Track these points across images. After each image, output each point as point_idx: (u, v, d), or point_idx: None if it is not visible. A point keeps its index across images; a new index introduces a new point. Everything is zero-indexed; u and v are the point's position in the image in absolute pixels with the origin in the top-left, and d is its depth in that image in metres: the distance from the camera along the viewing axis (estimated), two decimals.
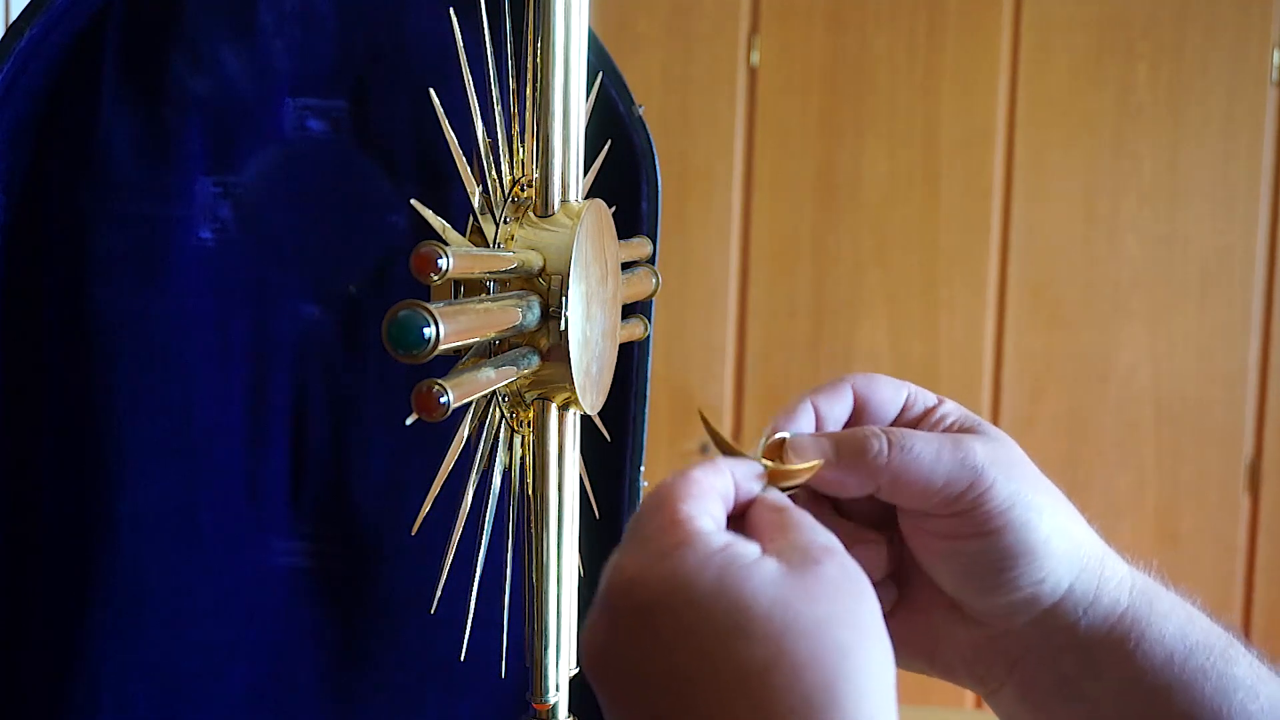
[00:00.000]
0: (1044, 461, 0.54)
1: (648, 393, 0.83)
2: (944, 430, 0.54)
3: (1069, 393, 2.07)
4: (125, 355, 0.76)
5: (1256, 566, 2.07)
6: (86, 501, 0.77)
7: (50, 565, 0.78)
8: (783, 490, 0.52)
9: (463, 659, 0.62)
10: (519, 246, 0.55)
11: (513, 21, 0.59)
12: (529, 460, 0.59)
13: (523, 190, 0.58)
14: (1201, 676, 0.53)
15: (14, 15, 0.91)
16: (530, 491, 0.59)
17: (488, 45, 0.57)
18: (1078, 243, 2.05)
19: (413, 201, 0.57)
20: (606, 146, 0.69)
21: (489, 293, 0.55)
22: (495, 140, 0.57)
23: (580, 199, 0.58)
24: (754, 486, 0.51)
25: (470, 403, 0.55)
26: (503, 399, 0.58)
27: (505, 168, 0.57)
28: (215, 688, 0.79)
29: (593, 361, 0.58)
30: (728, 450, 0.51)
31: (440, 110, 0.56)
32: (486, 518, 0.59)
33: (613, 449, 0.80)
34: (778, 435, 0.53)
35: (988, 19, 2.04)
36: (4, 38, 0.72)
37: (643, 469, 0.83)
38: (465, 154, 0.56)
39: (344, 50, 0.77)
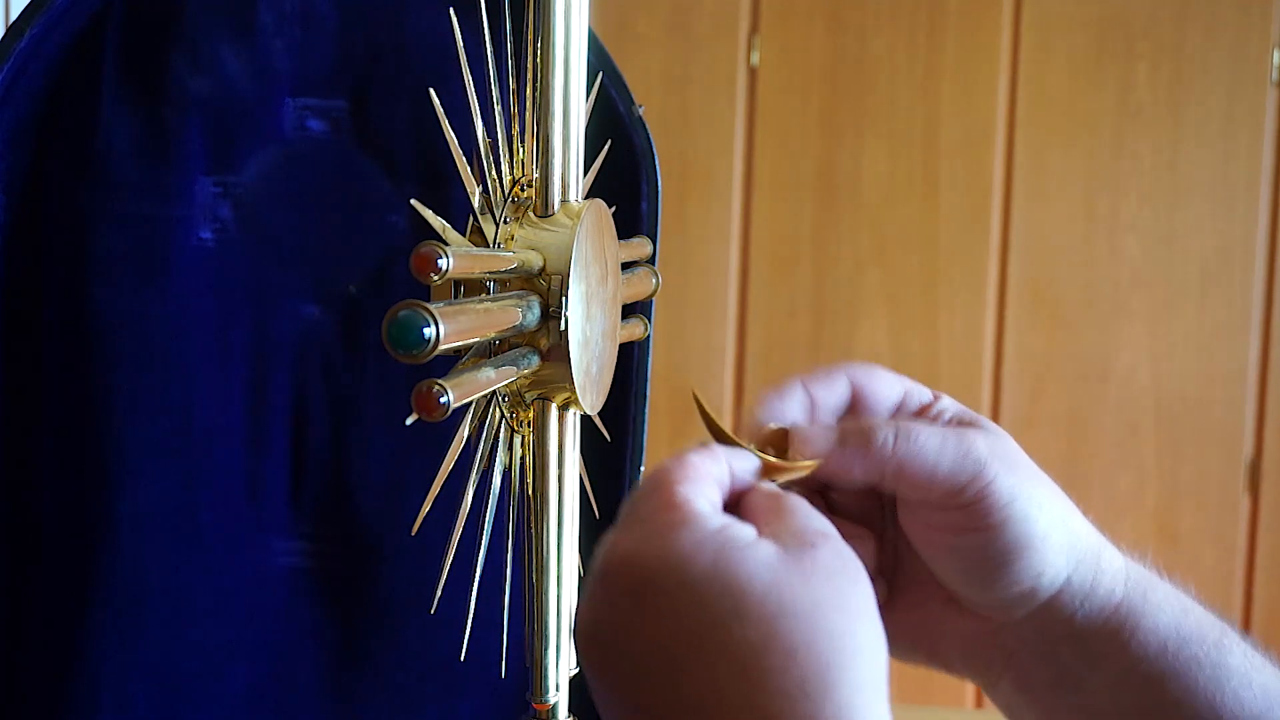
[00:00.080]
0: (1044, 461, 0.54)
1: (648, 393, 0.83)
2: (943, 425, 0.54)
3: (1069, 393, 2.07)
4: (125, 355, 0.76)
5: (1256, 566, 2.07)
6: (86, 501, 0.77)
7: (50, 565, 0.78)
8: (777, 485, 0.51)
9: (463, 659, 0.62)
10: (519, 246, 0.55)
11: (513, 21, 0.59)
12: (529, 460, 0.59)
13: (523, 190, 0.58)
14: (1195, 665, 0.53)
15: (14, 15, 0.91)
16: (530, 491, 0.59)
17: (488, 45, 0.57)
18: (1078, 242, 2.05)
19: (413, 201, 0.56)
20: (606, 146, 0.69)
21: (489, 293, 0.55)
22: (495, 140, 0.57)
23: (580, 199, 0.58)
24: (750, 479, 0.51)
25: (470, 403, 0.55)
26: (503, 399, 0.58)
27: (505, 168, 0.57)
28: (215, 688, 0.80)
29: (593, 361, 0.58)
30: (721, 437, 0.51)
31: (440, 110, 0.56)
32: (486, 518, 0.59)
33: (613, 449, 0.80)
34: (776, 425, 0.53)
35: (988, 19, 2.04)
36: (4, 38, 0.72)
37: (643, 469, 0.83)
38: (465, 154, 0.56)
39: (344, 50, 0.77)
